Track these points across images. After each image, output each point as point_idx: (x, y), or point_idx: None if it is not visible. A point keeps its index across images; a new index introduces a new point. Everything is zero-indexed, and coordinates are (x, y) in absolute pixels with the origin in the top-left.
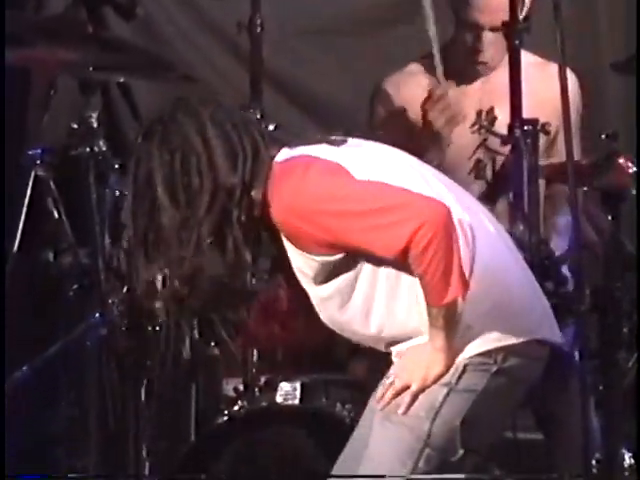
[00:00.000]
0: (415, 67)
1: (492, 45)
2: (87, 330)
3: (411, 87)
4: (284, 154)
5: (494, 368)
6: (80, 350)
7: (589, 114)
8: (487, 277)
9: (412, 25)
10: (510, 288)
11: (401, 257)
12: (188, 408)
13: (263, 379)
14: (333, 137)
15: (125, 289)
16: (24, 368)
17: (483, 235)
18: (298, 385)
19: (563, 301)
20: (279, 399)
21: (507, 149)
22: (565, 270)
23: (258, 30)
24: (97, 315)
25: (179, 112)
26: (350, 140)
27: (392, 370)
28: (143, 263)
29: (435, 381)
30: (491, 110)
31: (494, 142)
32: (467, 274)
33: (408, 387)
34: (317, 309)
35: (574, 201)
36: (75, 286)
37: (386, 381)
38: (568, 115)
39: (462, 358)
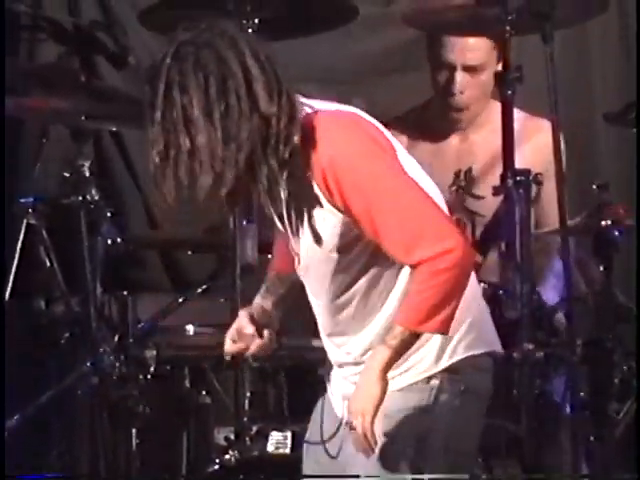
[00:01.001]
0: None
1: (467, 88)
2: (79, 379)
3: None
4: (326, 105)
5: (462, 386)
6: (72, 399)
7: (580, 164)
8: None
9: (405, 75)
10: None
11: (409, 262)
12: (179, 456)
13: (254, 428)
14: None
15: (117, 338)
16: (16, 417)
17: None
18: (289, 434)
19: (555, 352)
20: (270, 448)
21: (486, 210)
22: (557, 321)
23: None
24: (88, 364)
25: (216, 38)
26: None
27: (346, 414)
28: (173, 184)
29: (379, 402)
30: (469, 171)
31: (472, 203)
32: None
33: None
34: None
35: (566, 252)
36: (67, 334)
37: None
38: (560, 165)
39: (430, 373)
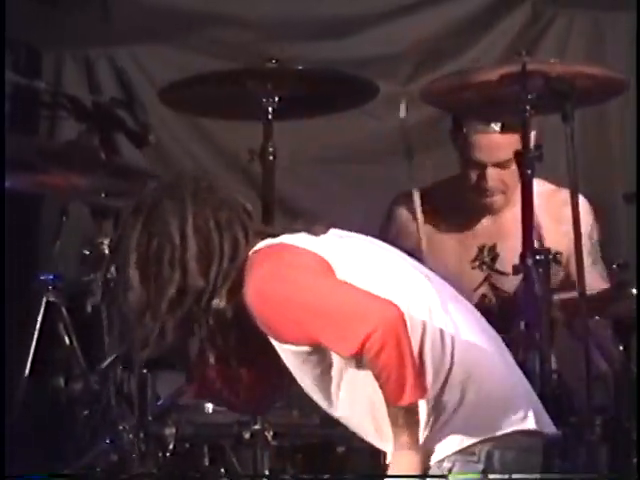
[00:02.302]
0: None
1: (497, 180)
2: (98, 456)
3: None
4: (263, 243)
5: (480, 466)
6: (91, 476)
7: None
8: (464, 372)
9: (424, 154)
10: (489, 381)
11: (357, 358)
12: None
13: None
14: (315, 226)
15: (136, 415)
16: None
17: (463, 329)
18: None
19: (573, 430)
20: None
21: (511, 288)
22: (576, 400)
23: (270, 158)
24: (108, 441)
25: (166, 198)
26: (332, 230)
27: None
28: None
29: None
30: (493, 247)
31: (499, 280)
32: (437, 379)
33: None
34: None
35: (585, 331)
36: (86, 412)
37: None
38: (579, 242)
39: (441, 457)
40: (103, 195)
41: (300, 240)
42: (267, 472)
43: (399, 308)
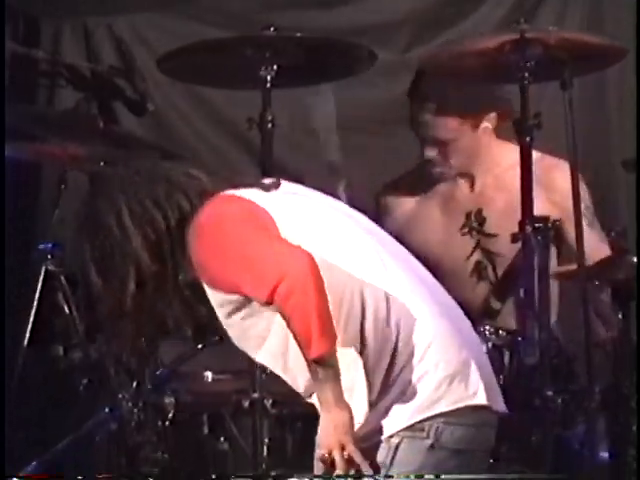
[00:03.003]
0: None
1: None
2: (97, 425)
3: (402, 206)
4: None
5: (428, 442)
6: (90, 445)
7: (598, 211)
8: (409, 346)
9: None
10: (437, 354)
11: (269, 305)
12: None
13: (273, 474)
14: (266, 180)
15: (135, 384)
16: (33, 463)
17: (408, 298)
18: None
19: (573, 399)
20: None
21: (504, 250)
22: (575, 368)
23: (269, 126)
24: (107, 410)
25: (98, 199)
26: (284, 186)
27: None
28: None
29: (351, 434)
30: (479, 211)
31: (488, 243)
32: (383, 353)
33: (342, 450)
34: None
35: (584, 298)
36: (85, 381)
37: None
38: (579, 207)
39: (390, 433)
40: (102, 163)
41: (249, 193)
42: (267, 440)
43: (311, 256)
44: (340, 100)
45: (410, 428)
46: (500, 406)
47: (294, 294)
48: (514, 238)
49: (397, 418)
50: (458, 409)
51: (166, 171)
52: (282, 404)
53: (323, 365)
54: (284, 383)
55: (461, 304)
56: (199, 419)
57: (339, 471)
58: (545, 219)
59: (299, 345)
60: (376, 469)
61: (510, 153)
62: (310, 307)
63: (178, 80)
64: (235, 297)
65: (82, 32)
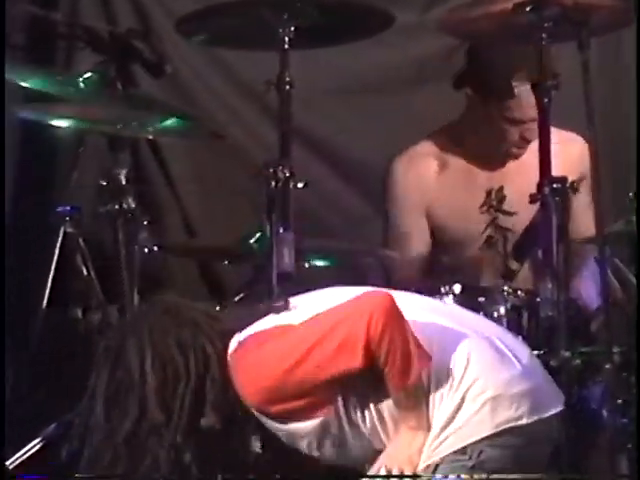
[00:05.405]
0: (426, 146)
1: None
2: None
3: (420, 170)
4: (234, 343)
5: (470, 463)
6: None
7: (615, 174)
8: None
9: (441, 84)
10: (483, 379)
11: (365, 360)
12: None
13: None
14: (276, 304)
15: None
16: (52, 425)
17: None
18: None
19: (591, 359)
20: None
21: (519, 227)
22: (593, 328)
23: (287, 88)
24: None
25: (128, 336)
26: (291, 302)
27: (378, 462)
28: None
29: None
30: (500, 190)
31: (504, 220)
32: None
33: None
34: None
35: (602, 259)
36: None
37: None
38: (598, 174)
39: (434, 460)
40: (120, 126)
41: (263, 323)
42: None
43: (385, 291)
44: (358, 61)
45: (452, 452)
46: (554, 405)
47: (388, 326)
48: (532, 199)
49: (441, 446)
50: (499, 432)
51: (191, 312)
52: None
53: (417, 389)
54: None
55: None
56: None
57: None
58: (563, 179)
59: (394, 378)
60: None
61: None
62: (404, 334)
63: (196, 42)
64: (310, 424)
65: None
